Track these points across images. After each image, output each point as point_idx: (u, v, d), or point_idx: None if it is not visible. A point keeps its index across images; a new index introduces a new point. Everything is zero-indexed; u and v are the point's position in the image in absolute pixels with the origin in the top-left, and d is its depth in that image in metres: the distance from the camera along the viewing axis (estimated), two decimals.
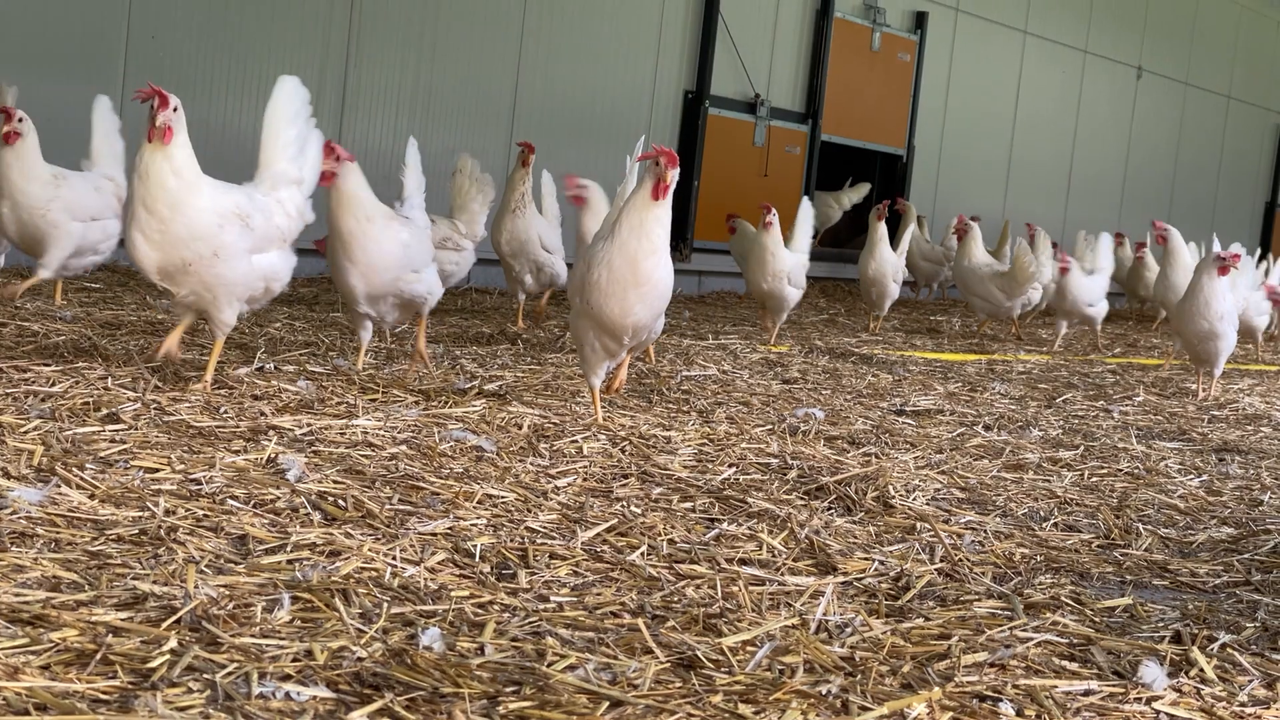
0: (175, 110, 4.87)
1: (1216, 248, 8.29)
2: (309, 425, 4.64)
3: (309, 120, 5.42)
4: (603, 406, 5.42)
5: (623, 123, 12.69)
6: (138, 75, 9.18)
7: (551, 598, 3.20)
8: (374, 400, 5.25)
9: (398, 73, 11.19)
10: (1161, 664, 3.03)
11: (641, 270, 4.94)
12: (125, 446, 4.09)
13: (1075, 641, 3.21)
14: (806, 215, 9.62)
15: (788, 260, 9.09)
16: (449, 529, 3.64)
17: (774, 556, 3.74)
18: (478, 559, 3.43)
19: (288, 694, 2.46)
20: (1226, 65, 21.10)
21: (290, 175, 5.35)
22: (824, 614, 3.25)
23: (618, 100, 12.98)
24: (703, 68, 13.68)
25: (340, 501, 3.75)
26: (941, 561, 3.86)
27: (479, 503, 3.93)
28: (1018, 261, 11.04)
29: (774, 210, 9.10)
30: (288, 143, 5.36)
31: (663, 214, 4.95)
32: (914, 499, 4.57)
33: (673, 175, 4.89)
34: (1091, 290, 11.00)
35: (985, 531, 4.26)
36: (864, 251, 10.99)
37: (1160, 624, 3.42)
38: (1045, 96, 18.06)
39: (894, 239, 11.84)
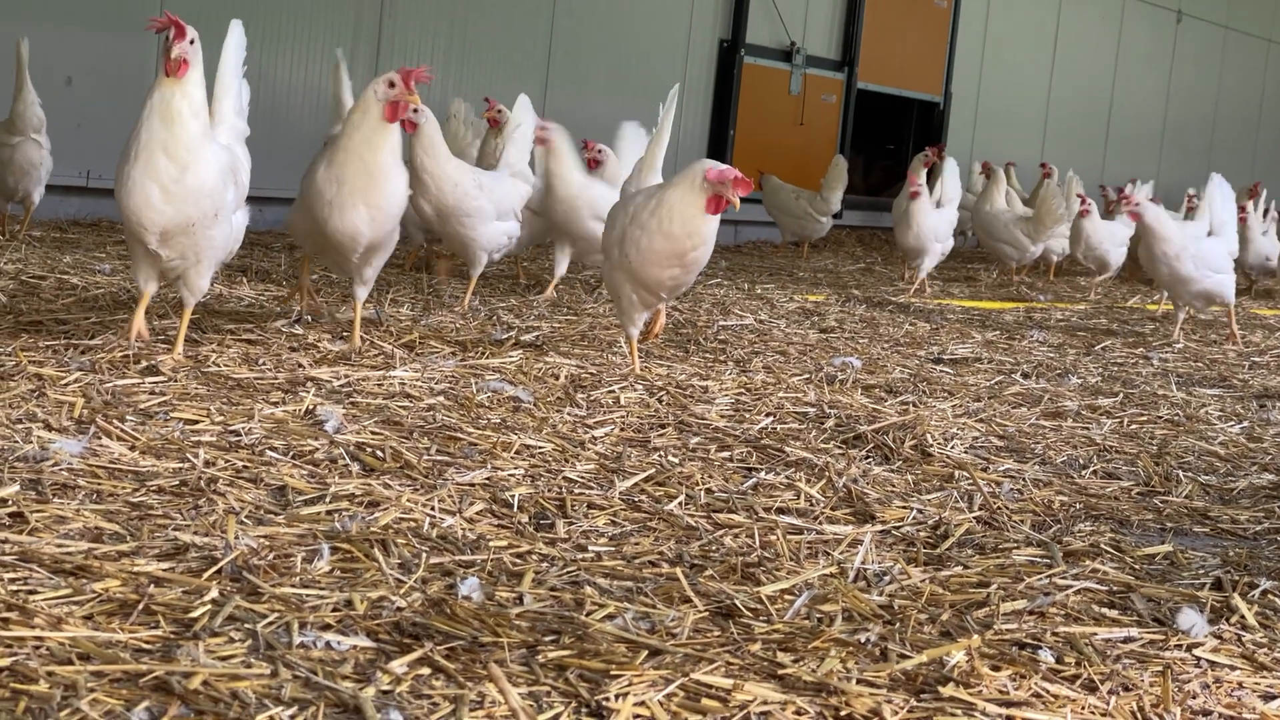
0: (193, 43, 4.37)
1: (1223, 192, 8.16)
2: (347, 377, 4.65)
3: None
4: (640, 356, 5.41)
5: (657, 72, 12.59)
6: None
7: (589, 547, 3.21)
8: (411, 351, 5.26)
9: (432, 22, 11.14)
10: (1202, 611, 3.02)
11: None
12: (165, 398, 4.11)
13: (1115, 589, 3.20)
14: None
15: None
16: (487, 479, 3.65)
17: (812, 505, 3.73)
18: (516, 509, 3.44)
19: (328, 643, 2.47)
20: (1268, 8, 20.78)
21: (241, 129, 4.95)
22: (862, 562, 3.24)
23: (652, 49, 12.89)
24: (738, 15, 13.57)
25: (378, 452, 3.76)
26: (980, 510, 3.85)
27: (516, 453, 3.94)
28: (1044, 203, 10.89)
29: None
30: (237, 94, 4.94)
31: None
32: (952, 447, 4.55)
33: (730, 193, 4.81)
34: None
35: (1024, 479, 4.24)
36: (899, 198, 10.90)
37: (1201, 571, 3.40)
38: (1084, 41, 17.84)
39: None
